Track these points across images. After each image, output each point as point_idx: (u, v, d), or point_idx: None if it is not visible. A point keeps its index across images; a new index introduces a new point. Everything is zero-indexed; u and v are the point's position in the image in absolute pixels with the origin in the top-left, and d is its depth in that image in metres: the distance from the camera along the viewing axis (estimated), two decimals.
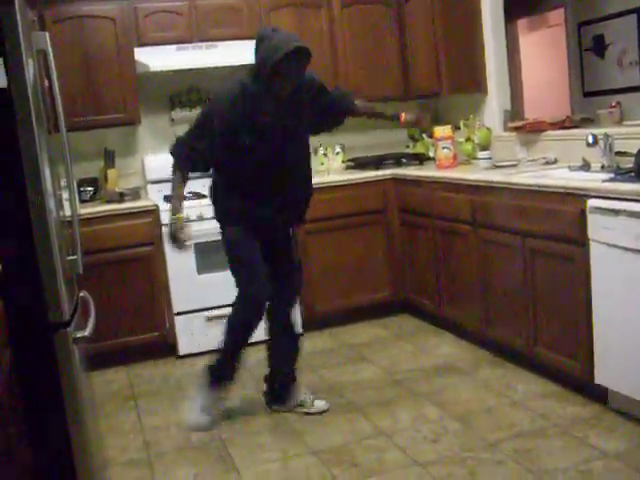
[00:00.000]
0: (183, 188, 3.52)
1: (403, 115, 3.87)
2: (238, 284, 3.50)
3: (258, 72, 3.28)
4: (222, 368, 3.58)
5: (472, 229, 4.14)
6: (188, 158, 3.45)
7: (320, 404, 3.66)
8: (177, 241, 3.49)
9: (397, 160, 5.36)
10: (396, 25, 5.38)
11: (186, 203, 4.56)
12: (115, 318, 4.48)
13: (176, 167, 3.49)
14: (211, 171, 3.59)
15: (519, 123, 4.71)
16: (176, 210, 3.48)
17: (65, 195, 2.96)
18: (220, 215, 3.58)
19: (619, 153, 3.67)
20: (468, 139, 4.96)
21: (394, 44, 5.40)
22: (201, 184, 4.85)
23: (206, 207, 4.54)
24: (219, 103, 3.42)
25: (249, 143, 3.31)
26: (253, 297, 3.47)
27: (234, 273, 3.52)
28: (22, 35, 2.34)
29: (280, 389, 3.70)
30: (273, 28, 3.39)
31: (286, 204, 3.49)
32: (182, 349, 4.68)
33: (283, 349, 3.71)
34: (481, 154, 4.60)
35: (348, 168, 5.45)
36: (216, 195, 3.58)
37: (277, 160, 3.40)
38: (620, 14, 6.24)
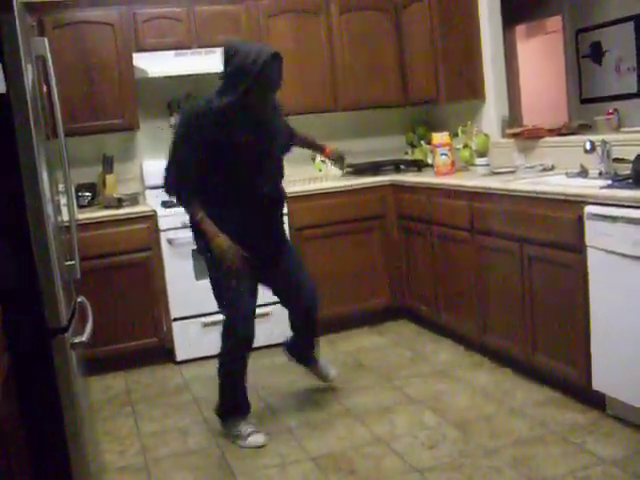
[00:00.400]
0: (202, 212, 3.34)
1: (328, 148, 3.95)
2: (223, 313, 3.48)
3: (232, 85, 3.19)
4: (229, 404, 3.53)
5: (470, 235, 4.14)
6: (191, 191, 3.34)
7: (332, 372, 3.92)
8: (232, 262, 3.32)
9: (395, 166, 5.36)
10: (394, 31, 5.39)
11: (182, 209, 4.58)
12: (113, 323, 4.48)
13: (186, 202, 3.38)
14: None
15: (517, 130, 4.72)
16: (214, 232, 3.30)
17: (63, 200, 2.96)
18: (203, 250, 3.46)
19: (617, 160, 3.68)
20: (466, 146, 4.97)
21: (392, 50, 5.41)
22: None
23: None
24: (184, 121, 3.32)
25: (224, 157, 3.26)
26: (238, 330, 3.41)
27: (218, 302, 3.50)
28: (21, 40, 2.34)
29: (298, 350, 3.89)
30: (239, 40, 3.33)
31: (258, 223, 3.42)
32: (180, 355, 4.68)
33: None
34: (479, 161, 4.61)
35: (346, 174, 5.45)
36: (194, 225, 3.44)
37: (251, 176, 3.33)
38: (617, 21, 6.26)
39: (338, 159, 4.02)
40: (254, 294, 3.49)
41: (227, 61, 3.20)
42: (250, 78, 3.12)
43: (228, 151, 3.27)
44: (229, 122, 3.23)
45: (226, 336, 3.44)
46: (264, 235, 3.47)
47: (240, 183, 3.34)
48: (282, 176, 3.56)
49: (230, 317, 3.44)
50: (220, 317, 3.51)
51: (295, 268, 3.66)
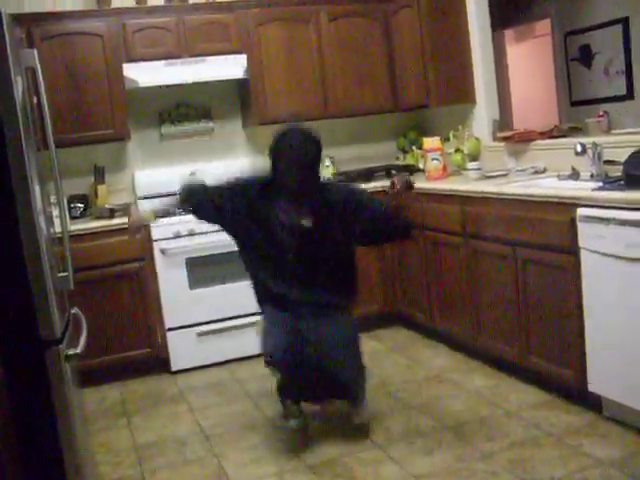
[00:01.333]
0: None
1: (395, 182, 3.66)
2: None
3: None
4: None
5: (463, 240, 4.15)
6: (198, 200, 3.48)
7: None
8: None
9: (387, 172, 5.36)
10: (384, 38, 5.40)
11: (177, 218, 4.58)
12: (107, 334, 4.47)
13: (182, 197, 3.52)
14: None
15: (508, 133, 4.73)
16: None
17: (55, 212, 2.96)
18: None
19: (608, 162, 3.69)
20: (457, 150, 4.98)
21: (382, 57, 5.41)
22: None
23: (198, 222, 4.55)
24: (238, 184, 3.40)
25: (256, 234, 3.30)
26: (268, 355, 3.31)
27: None
28: (10, 52, 2.34)
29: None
30: (293, 123, 3.40)
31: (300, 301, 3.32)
32: (174, 365, 4.66)
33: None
34: (471, 165, 4.62)
35: (338, 181, 5.44)
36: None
37: (284, 256, 3.29)
38: (606, 24, 6.29)
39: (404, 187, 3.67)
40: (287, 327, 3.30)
41: None
42: (271, 156, 3.25)
43: (258, 225, 3.30)
44: (262, 198, 3.29)
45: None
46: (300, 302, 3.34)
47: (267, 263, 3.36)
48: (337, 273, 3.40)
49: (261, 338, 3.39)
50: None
51: (336, 342, 3.32)
